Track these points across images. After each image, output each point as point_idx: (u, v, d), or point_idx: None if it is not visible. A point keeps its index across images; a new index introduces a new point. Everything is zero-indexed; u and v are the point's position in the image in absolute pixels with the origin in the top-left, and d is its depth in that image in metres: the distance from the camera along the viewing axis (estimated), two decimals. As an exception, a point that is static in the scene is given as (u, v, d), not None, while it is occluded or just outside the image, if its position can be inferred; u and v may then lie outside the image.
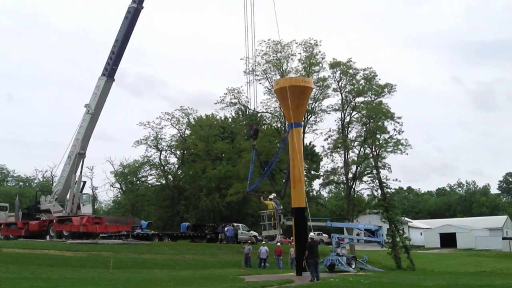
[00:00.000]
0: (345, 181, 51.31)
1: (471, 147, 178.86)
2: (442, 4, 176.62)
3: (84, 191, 45.68)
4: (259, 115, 53.59)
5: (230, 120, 70.43)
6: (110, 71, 41.48)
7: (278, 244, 38.92)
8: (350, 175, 50.55)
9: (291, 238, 31.82)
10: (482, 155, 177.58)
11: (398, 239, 43.93)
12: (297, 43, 50.20)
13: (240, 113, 65.66)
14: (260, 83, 50.85)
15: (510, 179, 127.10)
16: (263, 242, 41.17)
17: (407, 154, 50.00)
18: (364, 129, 50.54)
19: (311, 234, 22.56)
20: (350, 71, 49.97)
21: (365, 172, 50.52)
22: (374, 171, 48.41)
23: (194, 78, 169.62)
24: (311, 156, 58.81)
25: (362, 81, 50.45)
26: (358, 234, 36.60)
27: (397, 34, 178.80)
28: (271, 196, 28.07)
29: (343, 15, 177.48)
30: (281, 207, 28.10)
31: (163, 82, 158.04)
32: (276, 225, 26.97)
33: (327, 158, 52.21)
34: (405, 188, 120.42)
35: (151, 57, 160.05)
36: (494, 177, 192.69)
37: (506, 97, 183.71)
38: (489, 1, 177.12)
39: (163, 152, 69.16)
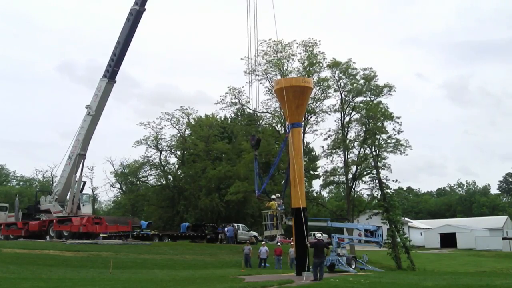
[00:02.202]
0: (345, 181, 51.31)
1: (456, 145, 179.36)
2: (431, 5, 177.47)
3: (84, 191, 45.73)
4: (257, 115, 53.57)
5: (229, 120, 70.43)
6: (111, 72, 41.58)
7: (278, 244, 38.91)
8: (350, 175, 50.56)
9: (291, 238, 31.85)
10: (468, 152, 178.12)
11: (398, 239, 43.91)
12: (297, 43, 50.24)
13: (239, 114, 65.50)
14: (261, 83, 50.86)
15: (510, 179, 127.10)
16: (263, 242, 41.20)
17: (407, 154, 50.14)
18: (364, 129, 50.54)
19: (318, 234, 22.58)
20: (350, 71, 49.98)
21: (365, 172, 50.53)
22: (374, 171, 48.40)
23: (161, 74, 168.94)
24: (310, 156, 58.81)
25: (361, 81, 50.47)
26: (359, 235, 36.62)
27: (386, 35, 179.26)
28: (274, 196, 28.09)
29: (338, 15, 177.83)
30: (283, 207, 28.13)
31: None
32: (278, 225, 27.02)
33: (327, 158, 52.28)
34: (405, 188, 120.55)
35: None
36: (481, 174, 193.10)
37: (483, 92, 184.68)
38: (479, 3, 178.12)
39: (163, 152, 69.29)
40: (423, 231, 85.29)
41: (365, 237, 33.49)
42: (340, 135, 50.66)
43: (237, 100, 52.63)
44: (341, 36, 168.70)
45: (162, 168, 69.96)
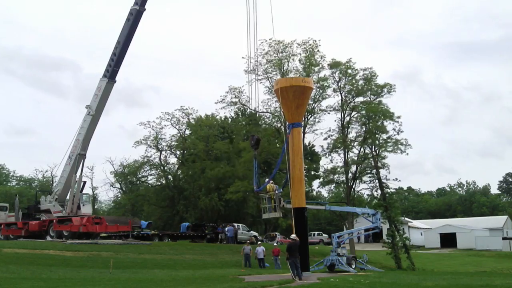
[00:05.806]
0: (345, 181, 51.30)
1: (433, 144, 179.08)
2: (423, 5, 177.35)
3: (84, 191, 45.69)
4: (258, 114, 53.55)
5: (230, 120, 70.46)
6: (111, 72, 41.55)
7: (275, 244, 38.98)
8: (350, 175, 50.56)
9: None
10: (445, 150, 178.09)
11: (398, 239, 43.93)
12: (297, 43, 50.21)
13: (240, 113, 65.57)
14: (261, 82, 50.81)
15: (510, 179, 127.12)
16: (259, 242, 41.45)
17: (407, 154, 50.10)
18: (364, 129, 50.52)
19: (293, 235, 22.65)
20: (349, 71, 49.94)
21: (365, 172, 50.52)
22: (374, 171, 48.40)
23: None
24: (311, 156, 58.81)
25: (361, 81, 50.45)
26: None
27: (376, 35, 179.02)
28: (270, 180, 28.11)
29: (335, 15, 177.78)
30: (281, 190, 28.06)
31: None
32: (277, 208, 26.94)
33: (327, 158, 52.30)
34: (405, 188, 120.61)
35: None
36: (462, 172, 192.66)
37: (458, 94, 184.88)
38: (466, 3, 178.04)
39: (163, 152, 69.36)
40: (423, 231, 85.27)
41: (363, 226, 33.51)
42: (340, 135, 50.66)
43: (237, 100, 52.69)
44: (338, 35, 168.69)
45: (162, 168, 70.02)
